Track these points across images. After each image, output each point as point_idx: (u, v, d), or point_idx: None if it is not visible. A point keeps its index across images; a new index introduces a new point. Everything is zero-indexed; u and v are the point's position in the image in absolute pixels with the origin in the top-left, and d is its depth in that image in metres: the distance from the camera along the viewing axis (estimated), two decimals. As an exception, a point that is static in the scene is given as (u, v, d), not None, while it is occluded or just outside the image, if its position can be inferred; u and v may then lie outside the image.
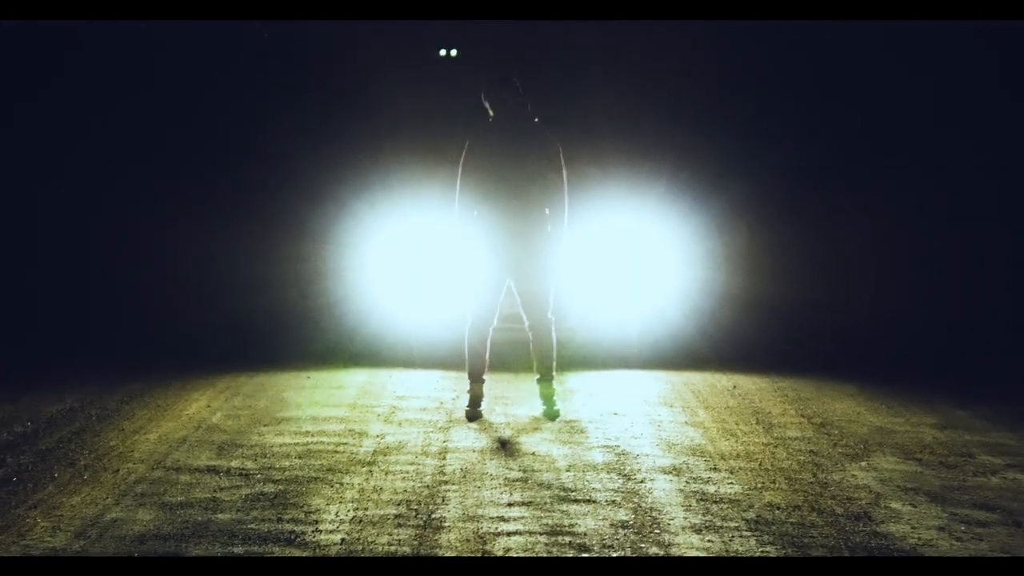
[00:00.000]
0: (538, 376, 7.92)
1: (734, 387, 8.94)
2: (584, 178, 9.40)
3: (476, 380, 7.87)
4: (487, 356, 7.90)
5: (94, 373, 9.30)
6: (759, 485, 6.30)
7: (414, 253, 10.00)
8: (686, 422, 7.72)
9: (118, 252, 11.22)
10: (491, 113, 7.94)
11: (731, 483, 6.33)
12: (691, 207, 10.48)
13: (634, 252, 10.12)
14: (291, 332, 10.47)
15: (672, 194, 10.46)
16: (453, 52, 10.63)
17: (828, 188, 11.03)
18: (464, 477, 6.39)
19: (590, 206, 9.60)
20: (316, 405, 8.21)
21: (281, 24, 10.68)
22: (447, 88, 10.39)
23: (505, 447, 7.04)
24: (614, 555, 5.26)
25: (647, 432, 7.42)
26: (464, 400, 7.98)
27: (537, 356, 7.90)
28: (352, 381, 9.13)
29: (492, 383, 8.57)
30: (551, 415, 7.78)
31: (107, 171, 11.35)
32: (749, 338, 10.29)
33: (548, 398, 7.86)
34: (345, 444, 7.09)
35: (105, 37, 11.29)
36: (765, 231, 10.81)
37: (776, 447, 7.09)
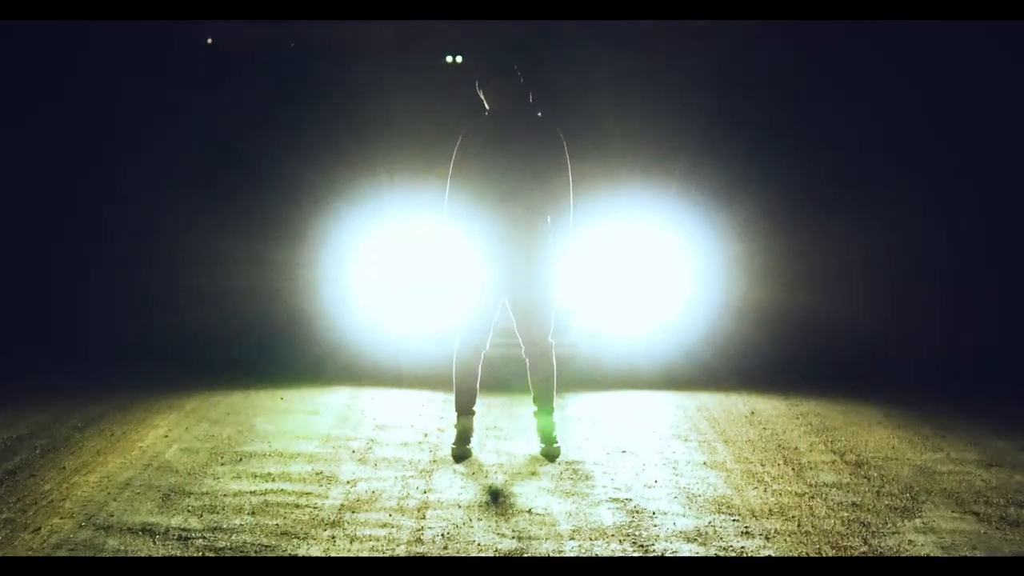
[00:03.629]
0: (536, 408, 6.49)
1: (752, 413, 7.53)
2: (589, 179, 7.96)
3: (465, 413, 6.44)
4: (478, 385, 6.46)
5: (61, 391, 7.93)
6: (802, 554, 4.88)
7: (403, 261, 8.60)
8: (705, 463, 6.29)
9: (95, 259, 9.75)
10: (487, 105, 6.51)
11: (768, 552, 4.90)
12: (703, 214, 9.07)
13: (641, 261, 8.73)
14: (270, 345, 9.05)
15: (683, 200, 9.05)
16: (459, 59, 9.31)
17: (847, 196, 9.58)
18: (446, 546, 4.94)
19: (595, 210, 8.21)
20: (285, 436, 6.79)
21: (273, 25, 9.23)
22: (443, 92, 8.99)
23: (497, 500, 5.60)
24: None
25: (662, 478, 5.99)
26: (451, 434, 6.55)
27: (535, 385, 6.46)
28: (330, 404, 7.72)
29: (484, 408, 7.16)
30: (550, 454, 6.35)
31: (86, 174, 9.89)
32: (763, 353, 8.87)
33: (547, 434, 6.43)
34: (309, 495, 5.65)
35: (88, 38, 9.80)
36: (780, 240, 9.38)
37: (813, 498, 5.66)
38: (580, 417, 7.35)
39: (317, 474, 6.01)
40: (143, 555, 4.82)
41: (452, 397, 6.54)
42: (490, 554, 4.83)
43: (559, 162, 6.37)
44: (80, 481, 5.84)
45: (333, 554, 4.82)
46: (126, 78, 9.69)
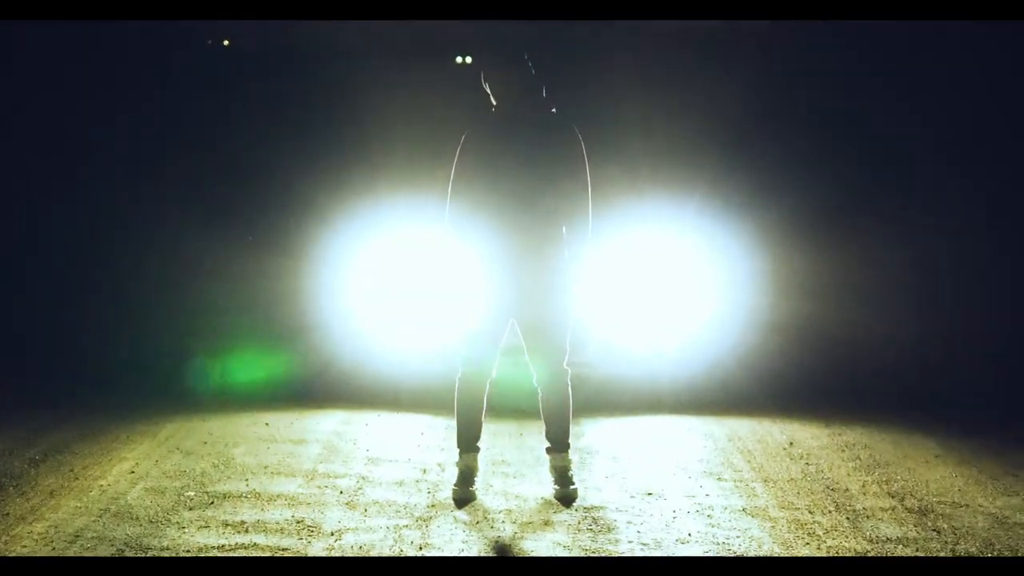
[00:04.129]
0: (549, 444, 5.62)
1: (791, 444, 6.67)
2: (607, 183, 7.09)
3: (468, 450, 5.57)
4: (483, 418, 5.60)
5: (26, 411, 7.14)
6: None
7: (405, 273, 7.77)
8: (744, 509, 5.42)
9: (73, 271, 8.87)
10: (493, 100, 5.65)
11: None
12: (732, 222, 8.20)
13: (664, 272, 7.89)
14: (258, 361, 8.21)
15: (710, 207, 8.19)
16: (468, 60, 8.49)
17: (888, 202, 8.69)
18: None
19: (614, 216, 7.35)
20: (265, 472, 5.94)
21: (265, 26, 8.37)
22: (448, 93, 8.14)
23: (504, 558, 4.74)
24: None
25: (695, 529, 5.11)
26: (452, 472, 5.68)
27: (548, 419, 5.59)
28: (319, 431, 6.87)
29: (490, 436, 6.34)
30: (566, 497, 5.48)
31: (68, 178, 9.03)
32: (797, 373, 8.00)
33: (562, 473, 5.56)
34: (285, 551, 4.80)
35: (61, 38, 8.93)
36: (814, 249, 8.50)
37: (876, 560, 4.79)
38: (598, 450, 6.49)
39: (297, 523, 5.15)
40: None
41: (454, 429, 5.68)
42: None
43: (576, 164, 5.51)
44: (22, 533, 5.00)
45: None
46: (113, 78, 8.83)
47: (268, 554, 4.73)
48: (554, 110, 5.66)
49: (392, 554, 4.75)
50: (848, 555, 4.79)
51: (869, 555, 4.78)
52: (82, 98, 8.81)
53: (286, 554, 4.74)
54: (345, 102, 8.32)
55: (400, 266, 7.73)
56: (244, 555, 4.72)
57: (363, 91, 8.24)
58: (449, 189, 5.55)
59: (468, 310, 5.49)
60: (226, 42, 8.73)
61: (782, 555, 4.79)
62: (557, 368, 5.48)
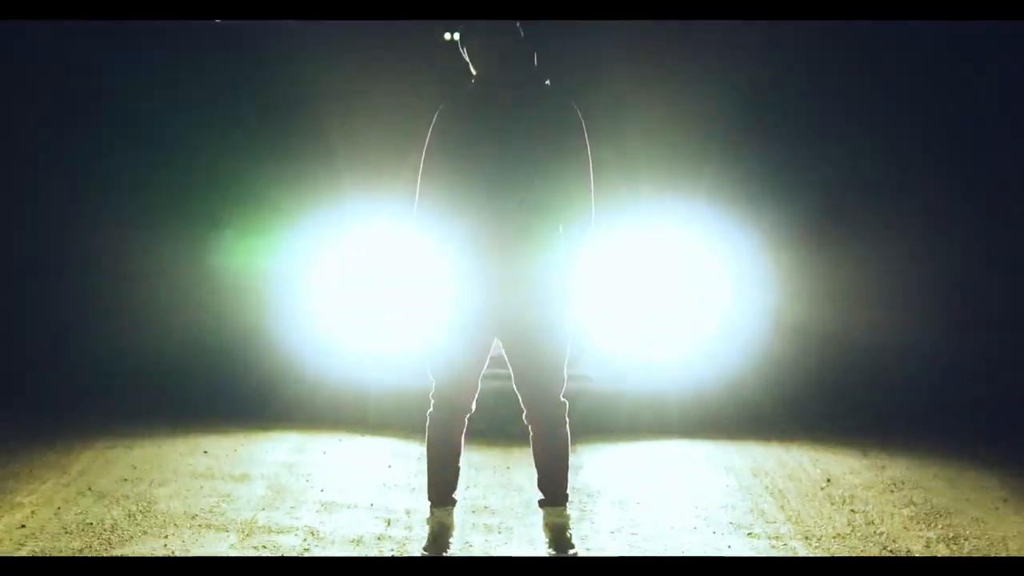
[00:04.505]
0: (542, 497, 4.48)
1: (828, 482, 5.56)
2: (603, 173, 5.92)
3: (442, 503, 4.43)
4: (460, 464, 4.44)
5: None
6: None
7: (372, 273, 6.62)
8: (787, 582, 4.29)
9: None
10: (473, 70, 4.49)
11: None
12: (745, 214, 7.05)
13: (669, 272, 6.72)
14: (201, 374, 7.07)
15: (720, 196, 7.04)
16: (456, 36, 7.31)
17: (925, 194, 7.58)
18: None
19: (612, 209, 6.19)
20: (192, 525, 4.78)
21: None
22: (424, 69, 6.97)
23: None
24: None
25: (731, 617, 3.99)
26: (422, 528, 4.54)
27: (541, 466, 4.45)
28: (266, 462, 5.74)
29: (470, 471, 5.24)
30: (564, 566, 4.33)
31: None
32: (826, 390, 6.94)
33: (559, 533, 4.42)
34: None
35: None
36: (841, 246, 7.38)
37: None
38: (599, 491, 5.34)
39: (219, 606, 4.01)
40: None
41: (424, 477, 4.53)
42: None
43: (574, 148, 4.36)
44: None
45: None
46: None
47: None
48: (548, 82, 4.50)
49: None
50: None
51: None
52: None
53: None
54: (299, 75, 7.11)
55: (367, 268, 6.58)
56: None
57: (318, 61, 7.04)
58: (418, 180, 4.38)
59: (440, 330, 4.33)
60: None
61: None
62: (552, 401, 4.32)
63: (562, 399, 4.36)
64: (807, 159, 7.43)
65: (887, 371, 7.16)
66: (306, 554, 4.47)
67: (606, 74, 6.93)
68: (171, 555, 4.35)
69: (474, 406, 4.41)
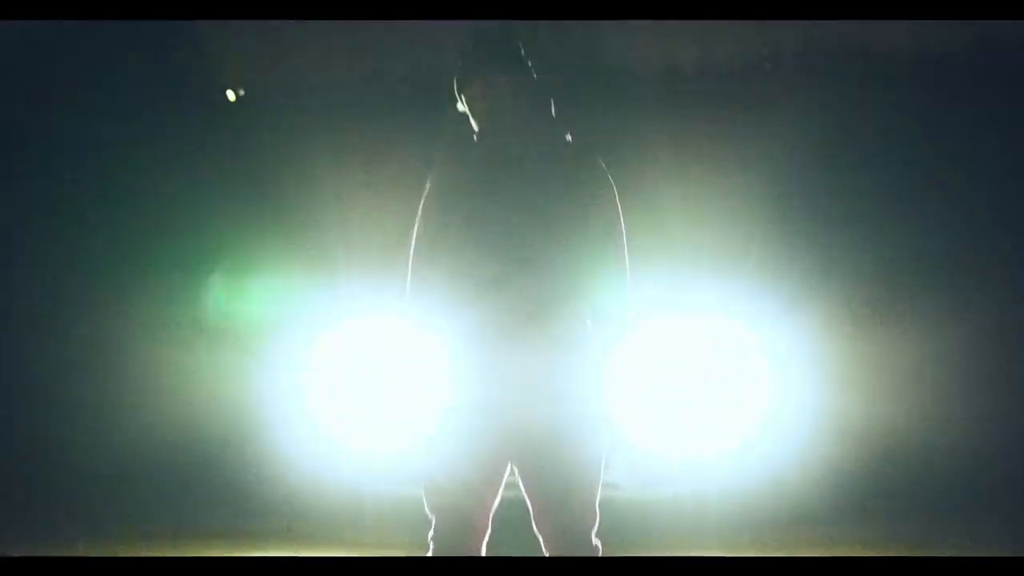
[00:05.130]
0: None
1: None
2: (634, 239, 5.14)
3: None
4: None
5: None
6: None
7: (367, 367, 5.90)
8: None
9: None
10: (475, 124, 3.63)
11: None
12: (796, 293, 6.30)
13: (711, 362, 6.13)
14: (174, 485, 6.30)
15: (768, 273, 6.29)
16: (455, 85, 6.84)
17: (990, 273, 6.82)
18: None
19: (643, 294, 5.40)
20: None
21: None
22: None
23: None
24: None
25: None
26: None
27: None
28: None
29: None
30: None
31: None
32: (899, 503, 6.12)
33: None
34: None
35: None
36: (901, 334, 6.64)
37: None
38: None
39: None
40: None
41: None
42: None
43: (606, 220, 3.46)
44: None
45: None
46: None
47: None
48: (569, 137, 3.64)
49: None
50: None
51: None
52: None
53: None
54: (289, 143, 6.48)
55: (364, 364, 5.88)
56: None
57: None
58: (410, 261, 3.51)
59: (437, 457, 3.43)
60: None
61: None
62: (583, 543, 3.39)
63: (595, 541, 3.44)
64: (888, 212, 6.74)
65: (959, 471, 6.35)
66: None
67: (633, 130, 6.26)
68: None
69: (484, 550, 3.51)
